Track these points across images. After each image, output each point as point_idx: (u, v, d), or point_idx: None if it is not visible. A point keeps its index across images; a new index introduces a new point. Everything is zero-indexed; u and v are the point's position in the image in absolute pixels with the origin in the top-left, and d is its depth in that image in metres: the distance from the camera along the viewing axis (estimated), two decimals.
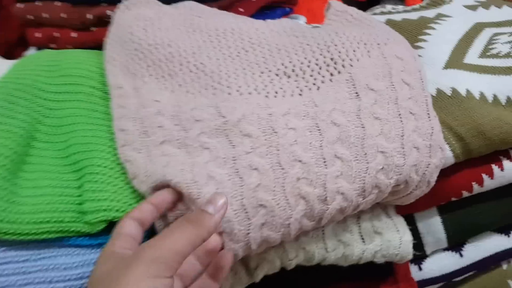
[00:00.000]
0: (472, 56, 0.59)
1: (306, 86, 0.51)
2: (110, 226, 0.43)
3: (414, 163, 0.48)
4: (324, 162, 0.45)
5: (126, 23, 0.54)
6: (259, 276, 0.50)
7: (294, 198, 0.44)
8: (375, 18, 0.61)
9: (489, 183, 0.58)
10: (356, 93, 0.50)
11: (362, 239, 0.53)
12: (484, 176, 0.57)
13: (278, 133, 0.46)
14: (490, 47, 0.60)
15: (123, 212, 0.45)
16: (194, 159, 0.45)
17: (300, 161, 0.45)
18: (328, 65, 0.52)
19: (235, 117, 0.46)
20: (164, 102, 0.49)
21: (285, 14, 0.77)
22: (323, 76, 0.51)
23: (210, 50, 0.53)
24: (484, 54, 0.60)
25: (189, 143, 0.46)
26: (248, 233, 0.43)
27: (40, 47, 0.68)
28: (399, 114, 0.49)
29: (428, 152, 0.49)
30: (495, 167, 0.57)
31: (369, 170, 0.46)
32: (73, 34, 0.65)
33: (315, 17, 0.80)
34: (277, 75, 0.51)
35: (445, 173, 0.55)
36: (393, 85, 0.50)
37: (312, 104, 0.49)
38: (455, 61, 0.59)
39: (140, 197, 0.46)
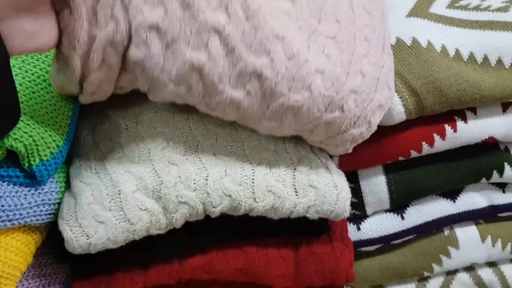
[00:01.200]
0: (439, 6, 0.57)
1: None
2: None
3: (355, 88, 0.45)
4: None
5: None
6: (178, 221, 0.47)
7: None
8: None
9: (439, 144, 0.56)
10: None
11: (296, 191, 0.49)
12: (436, 136, 0.55)
13: None
14: None
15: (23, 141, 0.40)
16: None
17: None
18: None
19: None
20: None
21: None
22: None
23: None
24: (452, 4, 0.57)
25: None
26: None
27: None
28: (354, 34, 0.46)
29: (374, 85, 0.46)
30: (448, 128, 0.55)
31: (308, 65, 0.42)
32: None
33: None
34: None
35: (395, 129, 0.54)
36: (352, 8, 0.47)
37: None
38: (420, 9, 0.56)
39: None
